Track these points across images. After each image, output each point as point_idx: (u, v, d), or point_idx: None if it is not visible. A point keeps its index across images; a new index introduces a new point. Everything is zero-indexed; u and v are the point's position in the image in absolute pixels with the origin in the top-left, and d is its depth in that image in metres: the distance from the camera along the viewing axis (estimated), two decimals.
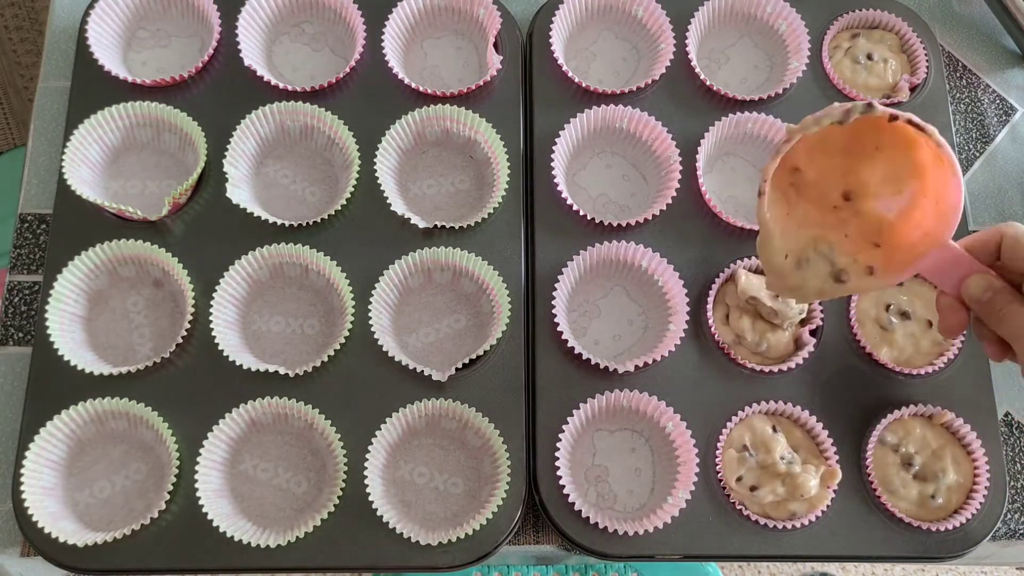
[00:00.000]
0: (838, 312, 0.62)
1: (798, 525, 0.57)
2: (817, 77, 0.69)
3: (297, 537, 0.54)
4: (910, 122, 0.45)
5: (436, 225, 0.61)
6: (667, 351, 0.59)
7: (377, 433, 0.56)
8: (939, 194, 0.46)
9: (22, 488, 0.54)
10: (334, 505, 0.55)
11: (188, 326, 0.58)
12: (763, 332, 0.61)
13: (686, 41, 0.67)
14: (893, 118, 0.45)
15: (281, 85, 0.64)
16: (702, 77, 0.67)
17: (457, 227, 0.61)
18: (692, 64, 0.67)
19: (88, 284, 0.60)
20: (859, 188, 0.48)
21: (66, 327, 0.59)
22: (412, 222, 0.61)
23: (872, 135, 0.46)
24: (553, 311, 0.59)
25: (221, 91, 0.65)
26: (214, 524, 0.54)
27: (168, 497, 0.55)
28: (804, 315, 0.61)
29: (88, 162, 0.62)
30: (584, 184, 0.66)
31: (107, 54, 0.65)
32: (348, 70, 0.65)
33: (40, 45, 1.21)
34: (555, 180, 0.63)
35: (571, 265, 0.60)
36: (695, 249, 0.63)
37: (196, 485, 0.55)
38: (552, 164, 0.63)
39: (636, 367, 0.59)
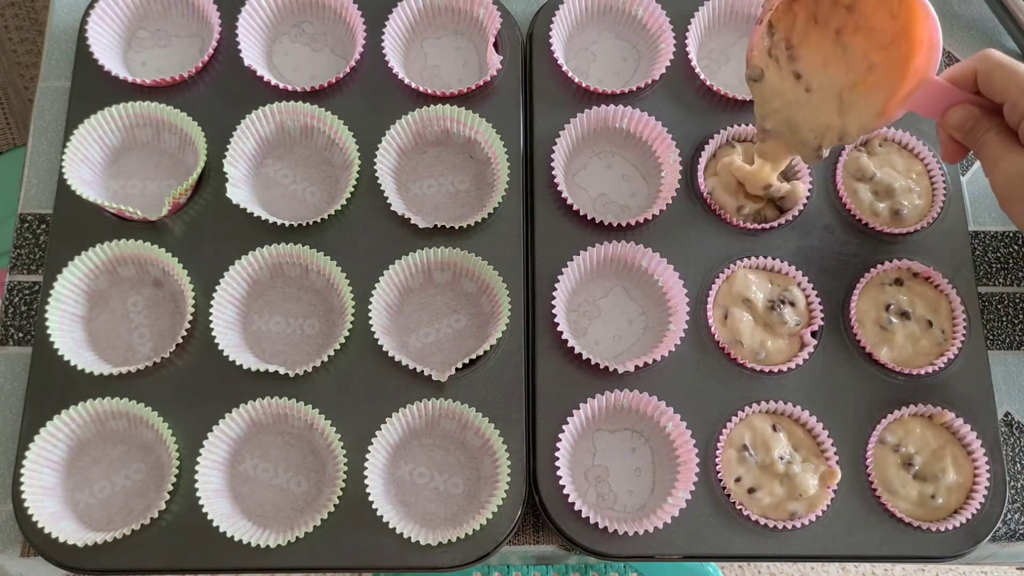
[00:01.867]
0: (838, 312, 0.62)
1: (798, 525, 0.57)
2: None
3: (297, 537, 0.54)
4: None
5: (436, 225, 0.61)
6: (667, 351, 0.59)
7: (377, 433, 0.56)
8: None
9: (22, 488, 0.54)
10: (334, 505, 0.55)
11: (188, 326, 0.58)
12: (762, 338, 0.61)
13: (686, 41, 0.67)
14: None
15: (281, 85, 0.64)
16: (702, 77, 0.67)
17: (457, 227, 0.61)
18: (692, 64, 0.67)
19: (88, 284, 0.60)
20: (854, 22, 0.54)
21: (66, 327, 0.59)
22: (412, 222, 0.61)
23: None
24: (553, 311, 0.59)
25: (221, 91, 0.65)
26: (214, 524, 0.54)
27: (168, 497, 0.55)
28: (801, 324, 0.61)
29: (88, 162, 0.62)
30: (584, 184, 0.66)
31: (107, 54, 0.65)
32: (348, 70, 0.65)
33: (40, 45, 1.21)
34: (555, 180, 0.63)
35: (571, 265, 0.60)
36: (695, 249, 0.63)
37: (196, 485, 0.55)
38: (552, 164, 0.63)
39: (636, 367, 0.59)
